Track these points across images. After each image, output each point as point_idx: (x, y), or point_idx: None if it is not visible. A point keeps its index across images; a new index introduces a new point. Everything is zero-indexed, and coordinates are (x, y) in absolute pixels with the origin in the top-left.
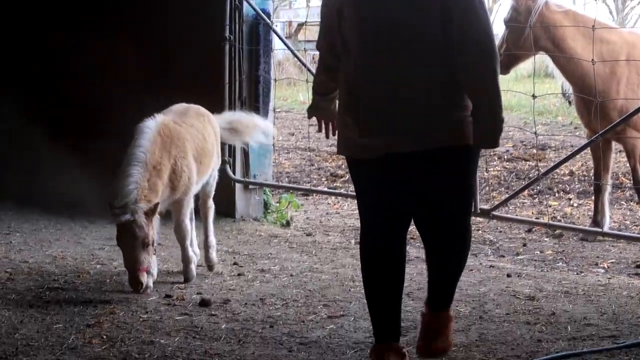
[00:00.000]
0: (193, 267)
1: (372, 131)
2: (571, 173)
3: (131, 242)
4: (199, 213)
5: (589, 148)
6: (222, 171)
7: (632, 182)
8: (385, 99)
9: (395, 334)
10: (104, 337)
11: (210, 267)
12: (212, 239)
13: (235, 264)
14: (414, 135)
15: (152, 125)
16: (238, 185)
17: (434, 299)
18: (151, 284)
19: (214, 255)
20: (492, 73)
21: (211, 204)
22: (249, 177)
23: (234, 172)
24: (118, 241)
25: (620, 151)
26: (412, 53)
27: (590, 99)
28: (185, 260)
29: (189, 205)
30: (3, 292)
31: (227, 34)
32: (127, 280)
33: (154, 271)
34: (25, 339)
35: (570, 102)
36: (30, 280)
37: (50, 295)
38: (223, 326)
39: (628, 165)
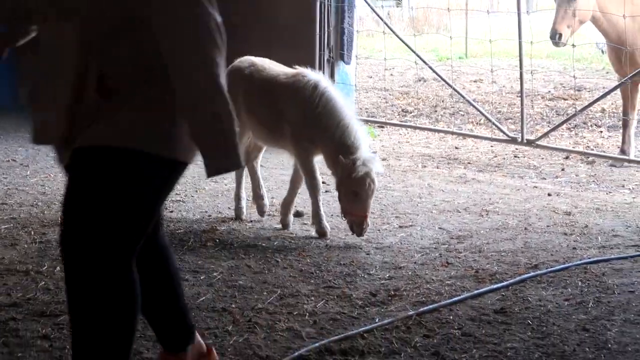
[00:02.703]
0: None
1: None
2: (603, 110)
3: (372, 192)
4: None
5: (618, 89)
6: None
7: None
8: None
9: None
10: (217, 240)
11: None
12: None
13: (323, 182)
14: None
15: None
16: None
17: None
18: None
19: None
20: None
21: None
22: None
23: None
24: (361, 189)
25: None
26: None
27: (621, 49)
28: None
29: None
30: None
31: None
32: (233, 200)
33: None
34: None
35: (603, 52)
36: None
37: (174, 207)
38: (313, 233)
39: None
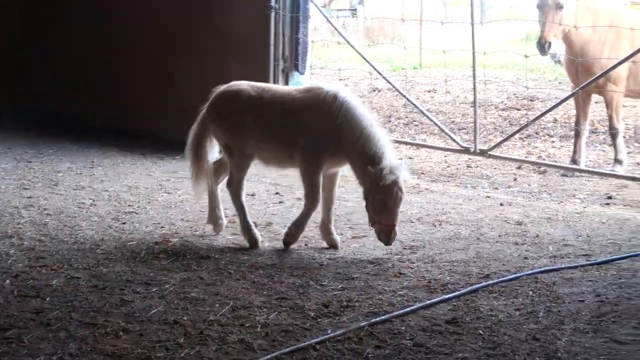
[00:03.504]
0: None
1: None
2: (555, 120)
3: (400, 200)
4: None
5: (571, 99)
6: None
7: (607, 127)
8: None
9: None
10: (169, 252)
11: None
12: None
13: (277, 193)
14: None
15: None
16: None
17: None
18: None
19: None
20: None
21: None
22: None
23: None
24: (389, 198)
25: (596, 102)
26: None
27: (579, 60)
28: None
29: None
30: (87, 215)
31: (272, 3)
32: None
33: None
34: (105, 253)
35: (559, 62)
36: (110, 206)
37: (126, 218)
38: (266, 244)
39: (603, 113)
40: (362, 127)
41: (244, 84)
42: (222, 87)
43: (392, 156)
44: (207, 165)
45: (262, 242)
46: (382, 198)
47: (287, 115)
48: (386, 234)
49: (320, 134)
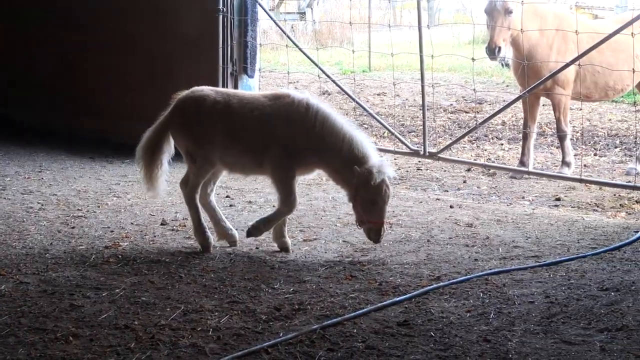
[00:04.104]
0: None
1: None
2: (503, 123)
3: (388, 198)
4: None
5: (519, 102)
6: None
7: (554, 130)
8: None
9: None
10: (119, 256)
11: None
12: None
13: (227, 196)
14: None
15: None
16: None
17: None
18: None
19: None
20: None
21: None
22: None
23: None
24: (378, 197)
25: (544, 105)
26: None
27: (526, 63)
28: None
29: None
30: (36, 220)
31: (220, 6)
32: (139, 209)
33: None
34: (54, 258)
35: (507, 65)
36: (59, 210)
37: (75, 223)
38: (218, 247)
39: (551, 116)
40: (344, 131)
41: (207, 89)
42: (186, 93)
43: (376, 155)
44: (161, 170)
45: (214, 246)
46: (371, 197)
47: (257, 123)
48: (376, 232)
49: (296, 142)
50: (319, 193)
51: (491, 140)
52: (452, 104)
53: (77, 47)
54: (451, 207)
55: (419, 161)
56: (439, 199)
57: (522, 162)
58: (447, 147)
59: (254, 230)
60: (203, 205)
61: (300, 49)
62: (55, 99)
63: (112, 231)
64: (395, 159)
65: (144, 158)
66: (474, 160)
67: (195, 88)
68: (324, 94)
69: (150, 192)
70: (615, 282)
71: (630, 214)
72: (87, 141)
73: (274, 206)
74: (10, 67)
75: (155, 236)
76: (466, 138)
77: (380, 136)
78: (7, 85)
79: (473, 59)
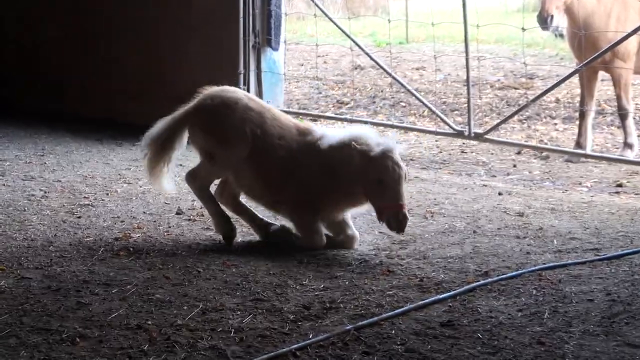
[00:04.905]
0: None
1: None
2: (557, 100)
3: (400, 177)
4: None
5: (575, 76)
6: None
7: (615, 108)
8: None
9: None
10: (131, 249)
11: None
12: None
13: None
14: None
15: None
16: None
17: None
18: None
19: None
20: None
21: None
22: None
23: None
24: (385, 174)
25: (603, 80)
26: None
27: (583, 33)
28: None
29: None
30: (39, 209)
31: None
32: (152, 196)
33: None
34: (59, 251)
35: (561, 36)
36: (63, 198)
37: (82, 212)
38: (239, 239)
39: (611, 92)
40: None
41: (239, 92)
42: (216, 90)
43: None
44: (167, 168)
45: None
46: (376, 177)
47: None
48: (394, 218)
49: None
50: None
51: (544, 120)
52: (499, 79)
53: (77, 22)
54: (500, 194)
55: (463, 143)
56: (485, 185)
57: (579, 144)
58: (495, 128)
59: (281, 232)
60: (237, 213)
61: (330, 19)
62: (55, 81)
63: (122, 221)
64: (436, 141)
65: (151, 149)
66: (525, 142)
67: (226, 87)
68: (356, 68)
69: (153, 186)
70: None
71: None
72: (93, 123)
73: None
74: (8, 50)
75: (170, 227)
76: (515, 117)
77: (420, 115)
78: (9, 67)
79: (523, 29)
